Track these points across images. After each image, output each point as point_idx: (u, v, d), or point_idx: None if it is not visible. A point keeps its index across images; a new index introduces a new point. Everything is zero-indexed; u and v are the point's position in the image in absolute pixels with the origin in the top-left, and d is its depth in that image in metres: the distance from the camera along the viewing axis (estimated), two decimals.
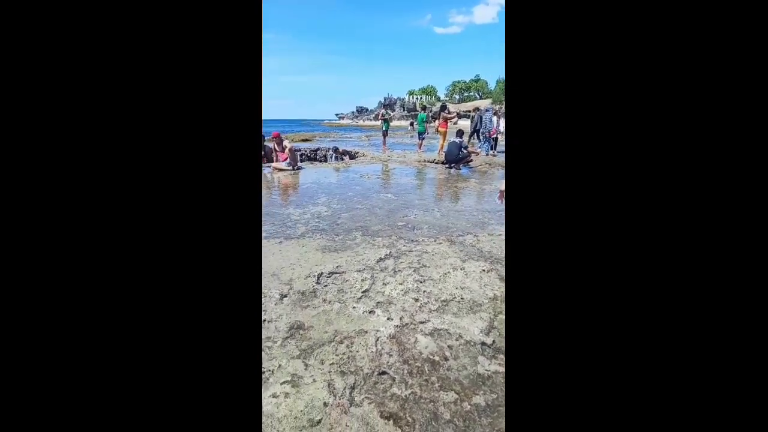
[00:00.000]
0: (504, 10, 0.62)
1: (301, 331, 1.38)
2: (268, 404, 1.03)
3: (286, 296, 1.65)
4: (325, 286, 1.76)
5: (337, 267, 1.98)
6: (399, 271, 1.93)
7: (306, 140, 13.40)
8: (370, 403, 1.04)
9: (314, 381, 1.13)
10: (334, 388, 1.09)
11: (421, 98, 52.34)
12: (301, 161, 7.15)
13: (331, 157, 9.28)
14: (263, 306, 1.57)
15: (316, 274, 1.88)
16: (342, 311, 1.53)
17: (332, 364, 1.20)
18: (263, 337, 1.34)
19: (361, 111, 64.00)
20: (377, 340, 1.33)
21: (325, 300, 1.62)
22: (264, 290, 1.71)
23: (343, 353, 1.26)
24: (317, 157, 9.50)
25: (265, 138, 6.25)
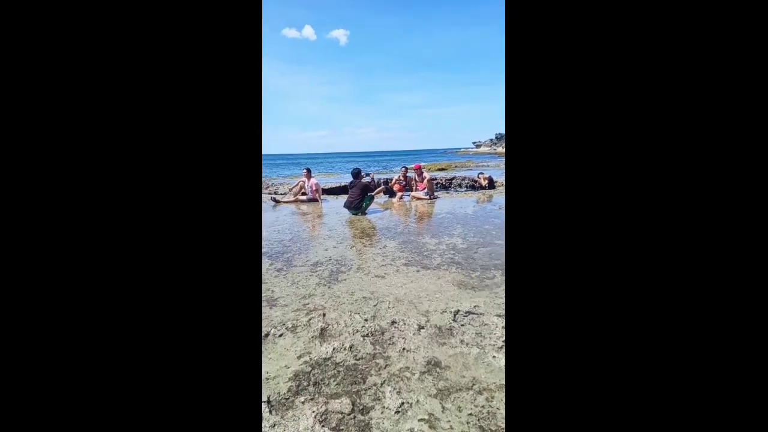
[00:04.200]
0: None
1: (438, 369, 1.38)
2: None
3: (423, 328, 1.70)
4: (462, 325, 1.72)
5: (475, 307, 1.90)
6: None
7: (442, 169, 13.83)
8: None
9: (451, 428, 1.09)
10: None
11: None
12: (437, 190, 7.39)
13: (466, 186, 9.22)
14: (402, 333, 1.65)
15: (452, 310, 1.86)
16: (481, 358, 1.45)
17: (470, 414, 1.15)
18: (402, 366, 1.41)
19: (500, 138, 61.75)
20: None
21: (462, 341, 1.58)
22: (403, 317, 1.80)
23: (483, 406, 1.18)
24: (452, 185, 9.63)
25: (408, 168, 6.80)
